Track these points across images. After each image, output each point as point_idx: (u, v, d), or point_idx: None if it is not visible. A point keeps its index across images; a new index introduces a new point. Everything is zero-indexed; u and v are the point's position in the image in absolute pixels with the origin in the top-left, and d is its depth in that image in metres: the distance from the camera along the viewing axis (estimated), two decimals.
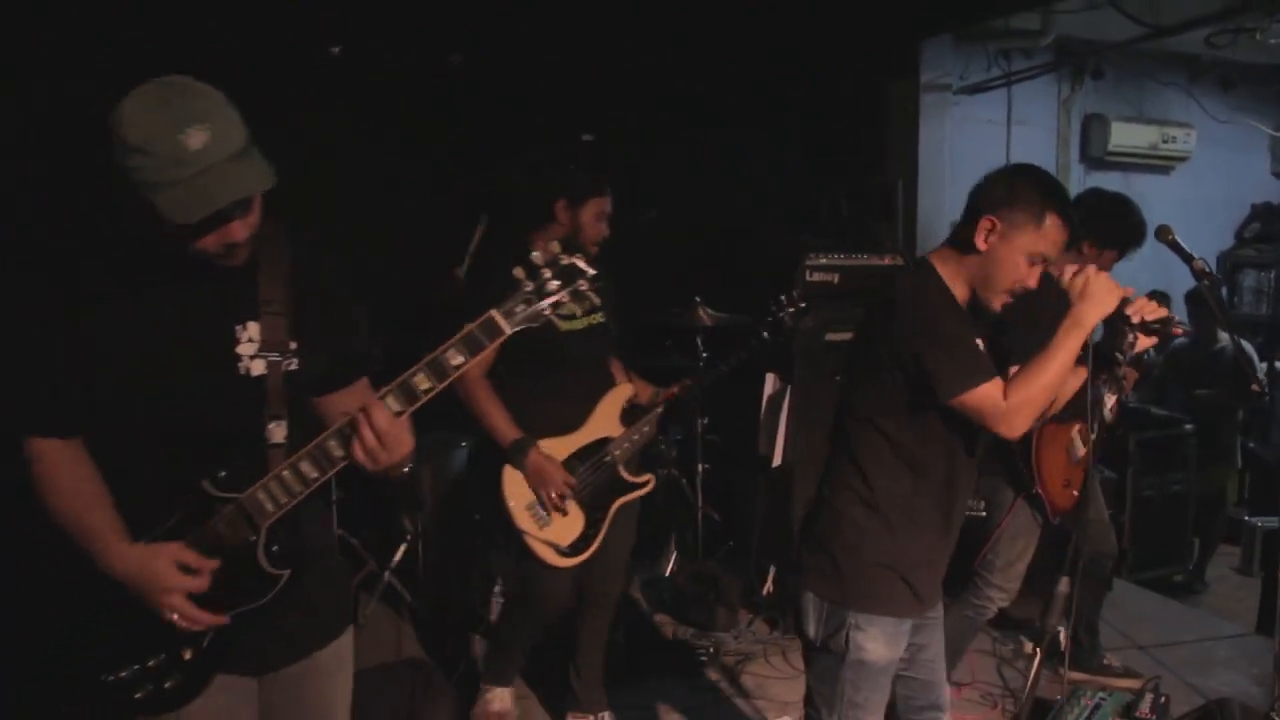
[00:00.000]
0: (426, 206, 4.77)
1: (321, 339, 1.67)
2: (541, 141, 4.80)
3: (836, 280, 4.16)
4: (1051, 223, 1.96)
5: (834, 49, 4.93)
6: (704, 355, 4.48)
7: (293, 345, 1.62)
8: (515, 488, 2.85)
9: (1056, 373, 1.93)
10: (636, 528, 3.21)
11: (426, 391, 1.53)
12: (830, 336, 4.03)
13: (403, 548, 4.17)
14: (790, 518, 4.00)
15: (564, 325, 2.84)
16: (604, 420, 3.02)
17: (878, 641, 2.06)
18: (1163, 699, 3.09)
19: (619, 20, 4.46)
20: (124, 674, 1.59)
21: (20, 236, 3.65)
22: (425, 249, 4.44)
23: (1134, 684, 3.40)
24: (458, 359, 1.51)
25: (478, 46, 4.70)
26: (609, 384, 3.08)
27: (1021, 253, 1.97)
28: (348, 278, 1.76)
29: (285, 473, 1.56)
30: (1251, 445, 5.82)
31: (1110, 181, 5.72)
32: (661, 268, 4.73)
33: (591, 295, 1.57)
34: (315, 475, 1.56)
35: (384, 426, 1.50)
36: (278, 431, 1.61)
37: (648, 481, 3.12)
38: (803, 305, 3.38)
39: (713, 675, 3.77)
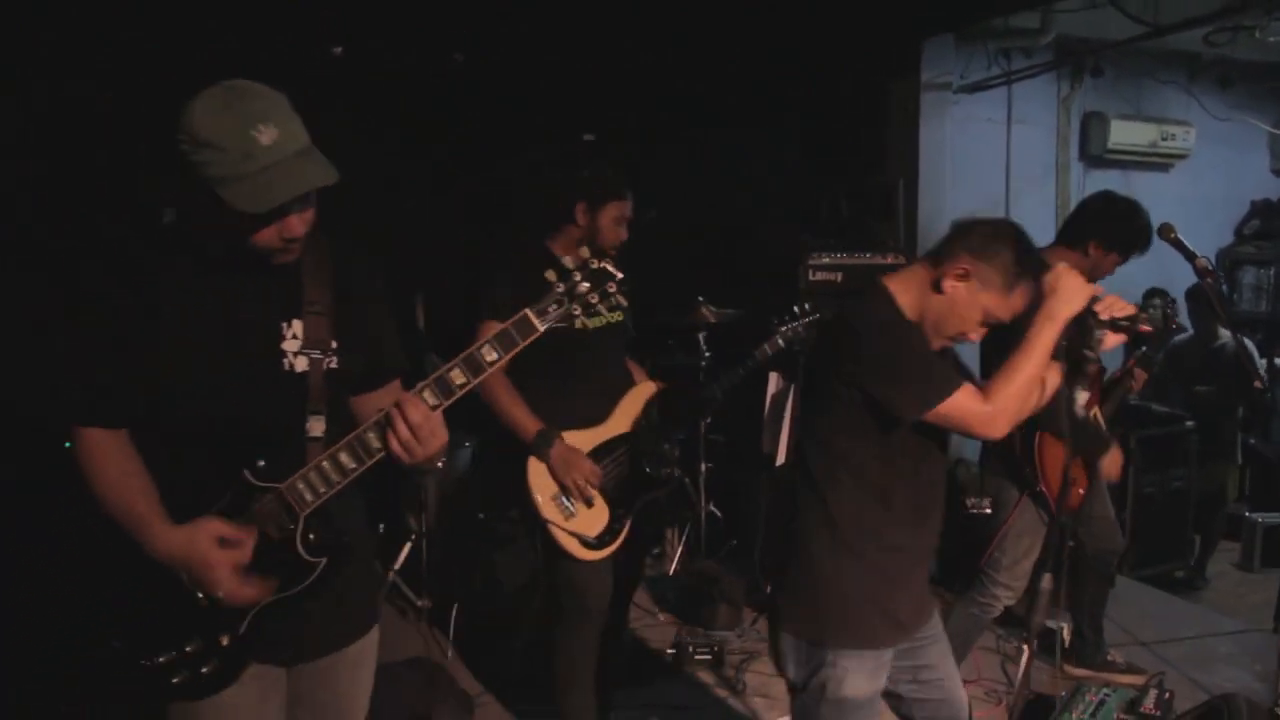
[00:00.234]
0: (426, 206, 4.77)
1: (359, 340, 1.75)
2: (542, 141, 4.80)
3: (840, 279, 4.18)
4: (1019, 294, 1.99)
5: (834, 49, 4.94)
6: (707, 355, 4.49)
7: (333, 344, 1.70)
8: (540, 479, 2.80)
9: (1035, 367, 1.94)
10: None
11: (461, 386, 1.61)
12: None
13: (407, 547, 4.17)
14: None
15: (590, 323, 2.79)
16: (626, 416, 2.99)
17: (858, 676, 2.02)
18: (1167, 695, 3.08)
19: (619, 20, 4.46)
20: (162, 659, 1.63)
21: (20, 236, 3.67)
22: (425, 249, 4.44)
23: (1137, 680, 3.39)
24: (492, 355, 1.60)
25: (478, 46, 4.69)
26: (628, 380, 3.06)
27: (980, 309, 1.99)
28: (381, 282, 1.84)
29: (324, 463, 1.62)
30: (1252, 441, 5.83)
31: (1110, 180, 5.74)
32: (662, 268, 4.73)
33: (619, 297, 1.67)
34: (353, 466, 1.62)
35: (418, 420, 1.57)
36: (317, 426, 1.67)
37: (670, 478, 3.09)
38: (817, 316, 3.38)
39: (716, 674, 3.77)
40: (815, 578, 2.05)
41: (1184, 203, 6.16)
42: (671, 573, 4.59)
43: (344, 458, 1.62)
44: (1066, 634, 3.84)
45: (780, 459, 4.06)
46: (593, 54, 4.73)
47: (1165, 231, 2.96)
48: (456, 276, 4.66)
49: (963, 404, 1.93)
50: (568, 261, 1.62)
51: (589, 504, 2.84)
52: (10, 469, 3.30)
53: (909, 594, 2.10)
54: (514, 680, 3.64)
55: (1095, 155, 6.17)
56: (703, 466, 4.58)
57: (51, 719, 3.06)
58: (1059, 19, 5.38)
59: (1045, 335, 1.94)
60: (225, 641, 1.65)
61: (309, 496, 1.63)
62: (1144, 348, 3.45)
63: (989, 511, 3.49)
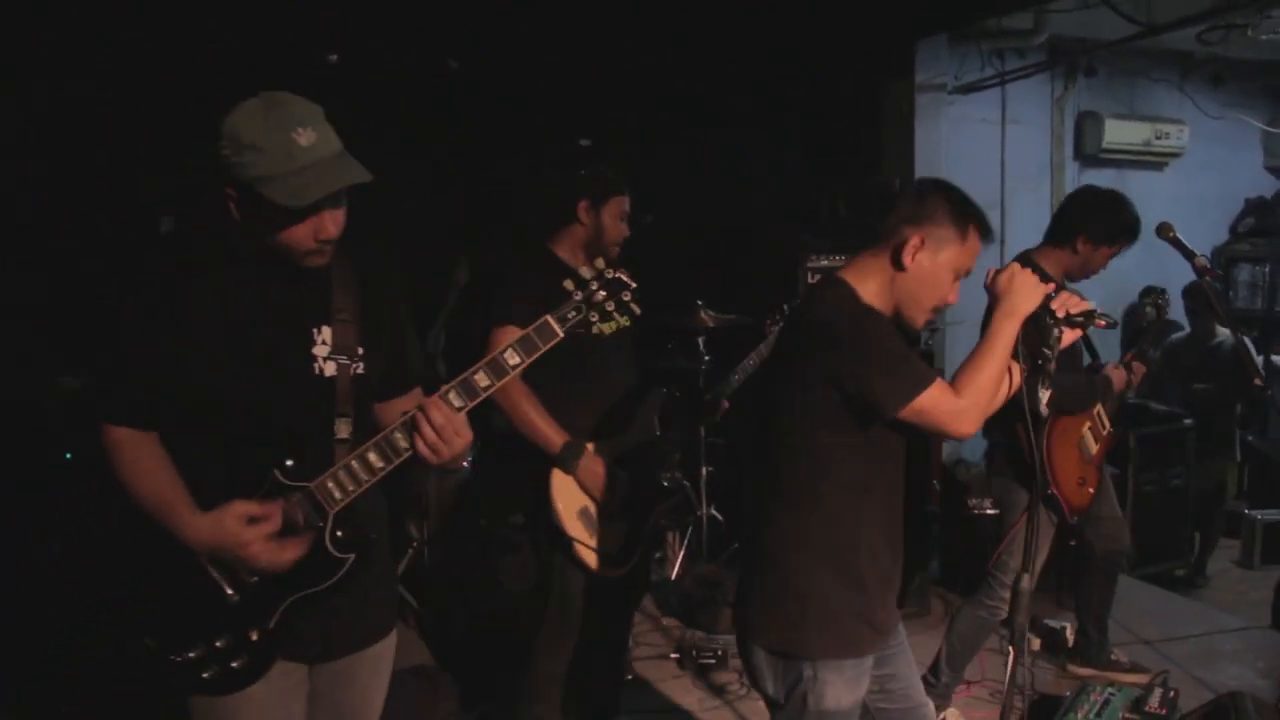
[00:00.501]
0: (426, 207, 4.76)
1: (383, 347, 1.82)
2: (542, 142, 4.79)
3: None
4: (973, 237, 2.00)
5: (832, 49, 4.94)
6: (706, 359, 4.48)
7: (360, 350, 1.77)
8: (565, 492, 2.70)
9: (999, 363, 1.95)
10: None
11: (486, 388, 1.68)
12: None
13: (409, 554, 4.14)
14: None
15: (604, 328, 2.75)
16: (639, 425, 2.93)
17: (839, 686, 1.98)
18: (1171, 693, 3.10)
19: (619, 20, 4.45)
20: (193, 654, 1.68)
21: (20, 236, 3.64)
22: (425, 249, 4.42)
23: (1142, 679, 3.40)
24: (515, 359, 1.68)
25: (477, 48, 4.68)
26: (638, 383, 3.01)
27: (948, 268, 2.00)
28: (401, 292, 1.91)
29: (353, 462, 1.68)
30: (1250, 439, 5.85)
31: (1104, 178, 5.76)
32: (661, 268, 4.72)
33: (633, 305, 1.75)
34: (381, 465, 1.68)
35: (441, 422, 1.64)
36: (344, 428, 1.75)
37: (678, 488, 3.06)
38: None
39: (720, 678, 3.76)
40: (791, 588, 2.00)
41: (1179, 201, 6.20)
42: (674, 577, 4.57)
43: (372, 457, 1.68)
44: (1070, 634, 3.86)
45: None
46: (592, 54, 4.72)
47: (1164, 230, 2.97)
48: (442, 278, 4.70)
49: (937, 398, 1.91)
50: (584, 271, 1.71)
51: (612, 518, 2.78)
52: (31, 471, 3.26)
53: (884, 597, 2.06)
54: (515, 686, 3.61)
55: (1090, 154, 6.20)
56: (704, 470, 4.57)
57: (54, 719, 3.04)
58: (1052, 19, 5.40)
59: (1005, 331, 1.95)
60: (255, 636, 1.70)
61: (338, 495, 1.69)
62: (1141, 343, 3.48)
63: (990, 512, 3.49)
